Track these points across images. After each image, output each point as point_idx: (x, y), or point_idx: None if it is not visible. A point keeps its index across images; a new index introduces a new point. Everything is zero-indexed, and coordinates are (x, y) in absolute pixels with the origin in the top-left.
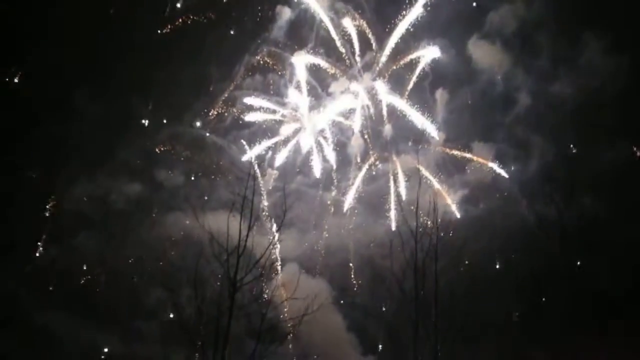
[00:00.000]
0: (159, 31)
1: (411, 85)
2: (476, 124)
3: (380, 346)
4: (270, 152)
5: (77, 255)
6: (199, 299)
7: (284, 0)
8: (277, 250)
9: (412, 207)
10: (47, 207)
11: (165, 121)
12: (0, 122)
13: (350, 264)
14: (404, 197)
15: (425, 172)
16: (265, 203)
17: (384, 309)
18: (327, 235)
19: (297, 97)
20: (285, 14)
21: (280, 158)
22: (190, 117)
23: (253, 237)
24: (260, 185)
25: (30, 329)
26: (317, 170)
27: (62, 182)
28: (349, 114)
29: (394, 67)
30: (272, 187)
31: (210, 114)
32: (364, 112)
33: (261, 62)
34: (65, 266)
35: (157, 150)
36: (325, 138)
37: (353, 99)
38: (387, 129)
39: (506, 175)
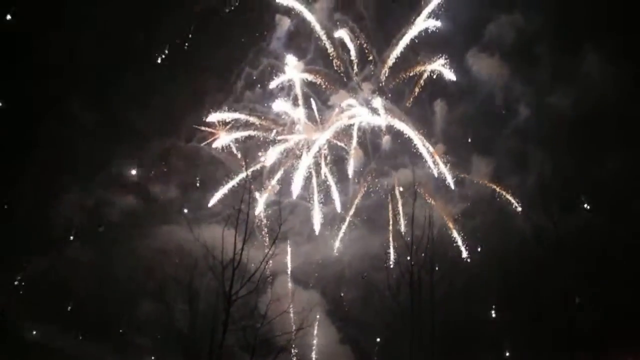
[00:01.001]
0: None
1: (412, 97)
2: (475, 136)
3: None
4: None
5: (68, 267)
6: (193, 313)
7: (283, 10)
8: (270, 264)
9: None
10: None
11: (160, 133)
12: None
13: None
14: (400, 211)
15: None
16: (262, 214)
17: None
18: (321, 248)
19: (294, 111)
20: (285, 24)
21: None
22: (185, 129)
23: (248, 250)
24: (257, 197)
25: (21, 342)
26: (316, 224)
27: (54, 193)
28: (348, 127)
29: (397, 81)
30: (272, 200)
31: (204, 127)
32: (362, 126)
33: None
34: (56, 278)
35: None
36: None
37: (352, 113)
38: (386, 141)
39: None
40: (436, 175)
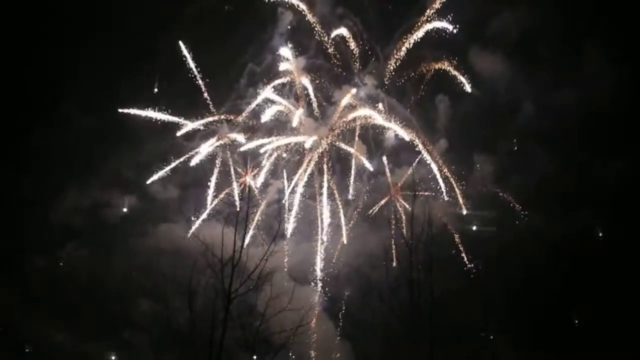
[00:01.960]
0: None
1: (417, 97)
2: (478, 134)
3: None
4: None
5: (67, 267)
6: (192, 311)
7: (284, 4)
8: (269, 262)
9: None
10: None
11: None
12: None
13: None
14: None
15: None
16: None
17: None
18: (322, 245)
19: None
20: (287, 18)
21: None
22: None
23: (248, 248)
24: (257, 195)
25: (20, 341)
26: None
27: (51, 192)
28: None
29: (400, 80)
30: (274, 199)
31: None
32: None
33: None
34: (55, 277)
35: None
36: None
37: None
38: (389, 137)
39: None
40: (437, 173)
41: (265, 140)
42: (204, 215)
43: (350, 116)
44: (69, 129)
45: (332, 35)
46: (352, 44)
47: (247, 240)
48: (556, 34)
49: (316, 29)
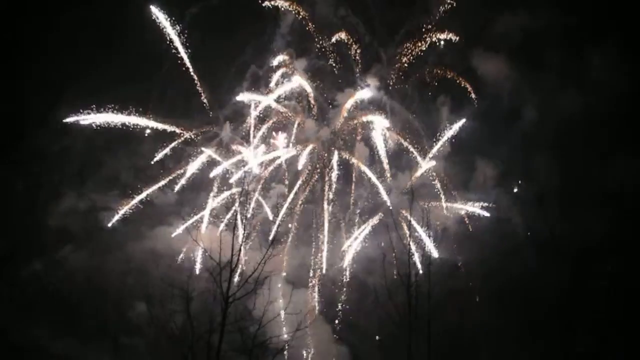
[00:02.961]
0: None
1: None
2: (480, 138)
3: None
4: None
5: (62, 271)
6: (188, 315)
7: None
8: (267, 266)
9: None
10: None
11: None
12: None
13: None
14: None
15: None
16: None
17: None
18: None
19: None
20: (289, 19)
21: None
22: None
23: (246, 252)
24: (256, 197)
25: (16, 346)
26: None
27: (47, 195)
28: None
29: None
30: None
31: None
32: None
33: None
34: (51, 282)
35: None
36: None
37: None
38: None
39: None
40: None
41: (256, 160)
42: (205, 219)
43: (351, 123)
44: (65, 131)
45: (333, 39)
46: (354, 47)
47: (244, 244)
48: (560, 37)
49: (315, 33)
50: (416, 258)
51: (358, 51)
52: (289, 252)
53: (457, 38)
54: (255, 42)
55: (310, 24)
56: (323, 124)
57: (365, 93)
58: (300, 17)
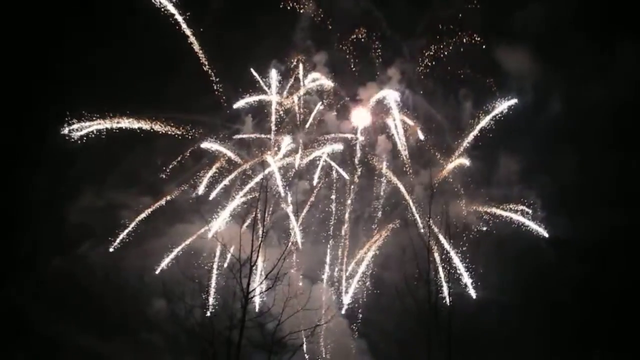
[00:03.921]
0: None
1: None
2: (503, 132)
3: None
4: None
5: (84, 267)
6: (208, 311)
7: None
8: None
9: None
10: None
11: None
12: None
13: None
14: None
15: None
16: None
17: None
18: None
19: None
20: (309, 11)
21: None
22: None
23: (265, 248)
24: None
25: (40, 340)
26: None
27: (67, 192)
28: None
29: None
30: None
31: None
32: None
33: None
34: (73, 278)
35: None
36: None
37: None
38: (415, 134)
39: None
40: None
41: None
42: (225, 216)
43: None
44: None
45: (353, 35)
46: (376, 42)
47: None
48: (585, 28)
49: (335, 27)
50: (436, 255)
51: (379, 45)
52: (307, 249)
53: (479, 38)
54: (275, 36)
55: (329, 18)
56: (344, 119)
57: (388, 92)
58: (321, 10)
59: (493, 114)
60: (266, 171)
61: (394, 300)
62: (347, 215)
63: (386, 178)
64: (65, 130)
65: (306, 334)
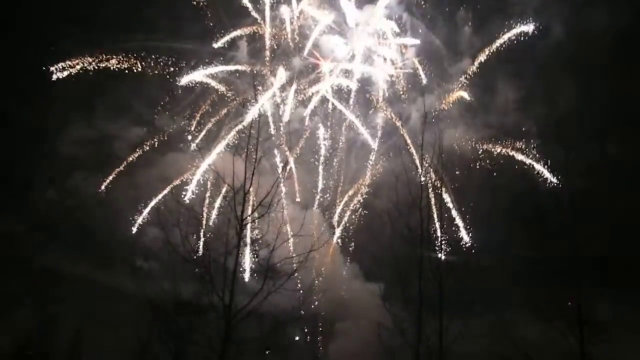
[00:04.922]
0: None
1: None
2: (503, 58)
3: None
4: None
5: (75, 198)
6: (203, 238)
7: None
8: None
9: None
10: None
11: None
12: None
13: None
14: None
15: None
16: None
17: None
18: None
19: None
20: None
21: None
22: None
23: (259, 175)
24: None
25: (34, 270)
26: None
27: (57, 124)
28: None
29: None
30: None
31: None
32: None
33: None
34: (65, 208)
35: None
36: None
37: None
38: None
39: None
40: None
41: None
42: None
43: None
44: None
45: None
46: None
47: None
48: None
49: None
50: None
51: None
52: (300, 176)
53: None
54: None
55: None
56: (343, 42)
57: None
58: None
59: (508, 35)
60: (260, 103)
61: (386, 226)
62: (340, 144)
63: (381, 107)
64: (53, 71)
65: (301, 260)
